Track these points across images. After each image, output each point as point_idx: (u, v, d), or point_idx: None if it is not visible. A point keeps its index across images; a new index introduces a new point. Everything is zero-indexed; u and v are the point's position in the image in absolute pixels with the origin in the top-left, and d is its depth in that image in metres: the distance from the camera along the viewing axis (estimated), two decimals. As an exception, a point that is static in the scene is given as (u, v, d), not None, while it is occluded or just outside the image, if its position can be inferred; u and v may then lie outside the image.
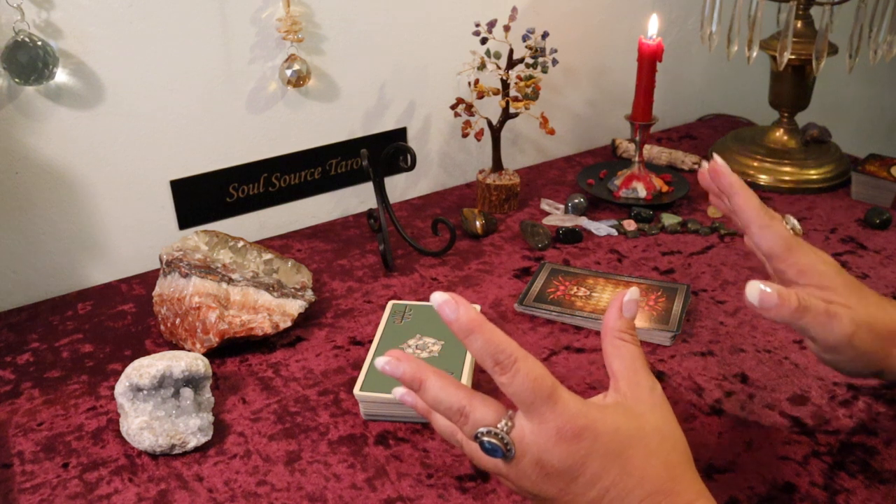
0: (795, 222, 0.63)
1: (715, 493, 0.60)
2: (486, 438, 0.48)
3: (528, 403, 0.47)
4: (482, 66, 0.97)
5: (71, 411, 0.71)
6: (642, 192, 1.05)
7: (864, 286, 0.61)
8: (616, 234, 0.99)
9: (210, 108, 0.93)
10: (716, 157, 0.61)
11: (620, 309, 0.53)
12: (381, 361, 0.50)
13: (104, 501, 0.62)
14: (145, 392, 0.66)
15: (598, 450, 0.48)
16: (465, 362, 0.70)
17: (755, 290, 0.55)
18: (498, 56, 0.98)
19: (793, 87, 1.10)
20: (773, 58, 1.07)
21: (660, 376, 0.74)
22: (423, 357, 0.72)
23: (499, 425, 0.48)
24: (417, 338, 0.75)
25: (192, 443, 0.66)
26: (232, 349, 0.78)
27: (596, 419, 0.48)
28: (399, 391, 0.53)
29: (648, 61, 0.98)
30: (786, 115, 1.14)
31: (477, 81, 0.99)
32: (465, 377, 0.69)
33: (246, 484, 0.63)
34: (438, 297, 0.47)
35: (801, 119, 1.15)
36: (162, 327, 0.80)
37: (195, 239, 0.83)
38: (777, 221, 0.60)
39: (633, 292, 0.53)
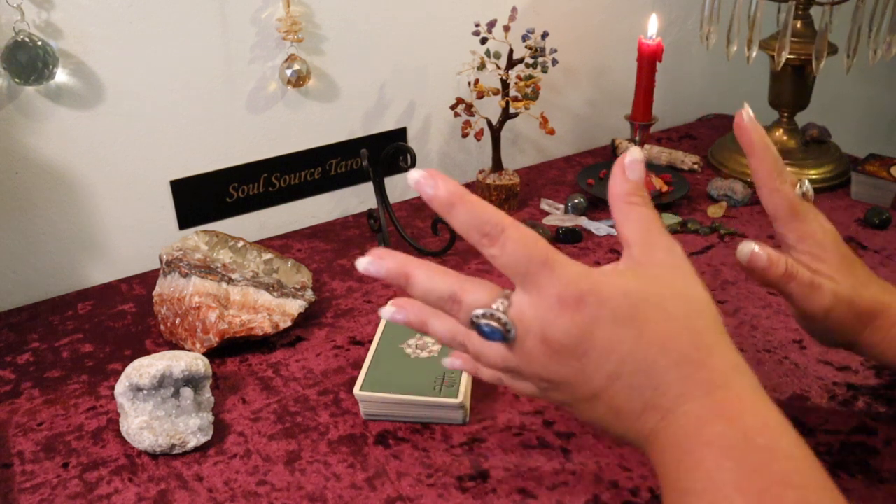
0: (809, 187, 0.62)
1: (715, 492, 0.60)
2: (482, 321, 0.44)
3: (522, 273, 0.44)
4: (482, 66, 0.98)
5: (71, 411, 0.71)
6: (642, 192, 1.04)
7: (858, 263, 0.61)
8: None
9: (210, 108, 0.93)
10: (746, 109, 0.60)
11: (624, 172, 0.49)
12: (363, 262, 0.46)
13: (104, 501, 0.62)
14: (145, 392, 0.66)
15: (605, 316, 0.43)
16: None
17: (747, 249, 0.57)
18: (498, 56, 0.98)
19: (792, 87, 1.10)
20: (773, 58, 1.07)
21: (660, 376, 0.73)
22: (423, 357, 0.72)
23: (494, 305, 0.44)
24: (417, 338, 0.75)
25: (192, 443, 0.66)
26: (232, 349, 0.78)
27: (600, 282, 0.44)
28: (387, 311, 0.49)
29: (648, 61, 0.98)
30: (785, 115, 1.14)
31: (477, 81, 0.99)
32: (465, 378, 0.69)
33: (246, 484, 0.63)
34: (414, 174, 0.44)
35: (801, 119, 1.15)
36: (162, 327, 0.80)
37: (195, 239, 0.83)
38: (787, 185, 0.59)
39: (633, 152, 0.48)
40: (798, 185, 0.61)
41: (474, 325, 0.45)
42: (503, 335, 0.44)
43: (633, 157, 0.48)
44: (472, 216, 0.44)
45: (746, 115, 0.60)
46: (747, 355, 0.76)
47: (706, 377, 0.43)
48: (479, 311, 0.44)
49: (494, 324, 0.44)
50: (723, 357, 0.44)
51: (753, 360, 0.75)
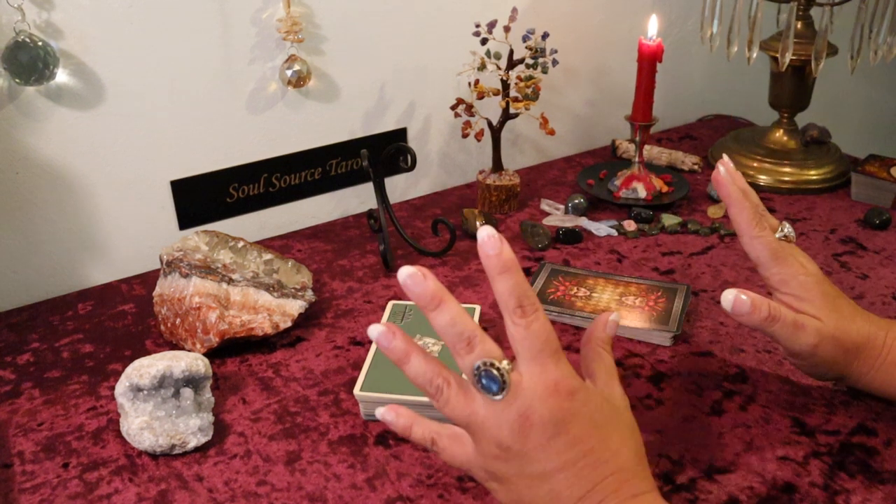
0: (790, 230, 0.66)
1: (715, 492, 0.60)
2: (489, 369, 0.49)
3: (536, 351, 0.49)
4: (482, 67, 0.98)
5: (71, 411, 0.71)
6: (642, 193, 1.05)
7: (842, 298, 0.65)
8: (616, 234, 0.99)
9: (210, 108, 0.93)
10: (721, 163, 0.65)
11: (605, 323, 0.58)
12: (404, 272, 0.49)
13: (104, 501, 0.62)
14: (145, 392, 0.66)
15: (586, 414, 0.50)
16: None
17: (730, 296, 0.63)
18: (498, 56, 0.98)
19: (793, 87, 1.10)
20: (773, 58, 1.07)
21: (660, 376, 0.74)
22: (424, 357, 0.72)
23: (503, 362, 0.49)
24: (417, 338, 0.75)
25: (193, 443, 0.66)
26: (232, 349, 0.78)
27: (588, 387, 0.52)
28: (376, 329, 0.51)
29: (648, 62, 0.98)
30: (786, 115, 1.14)
31: (477, 82, 0.99)
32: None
33: (246, 484, 0.63)
34: (487, 230, 0.48)
35: (801, 119, 1.15)
36: (162, 327, 0.80)
37: (195, 239, 0.83)
38: (766, 232, 0.64)
39: (616, 315, 0.59)
40: (779, 229, 0.66)
41: (477, 371, 0.49)
42: (499, 388, 0.49)
43: (615, 319, 0.58)
44: (519, 287, 0.49)
45: (724, 169, 0.65)
46: (747, 355, 0.76)
47: (637, 483, 0.50)
48: (489, 360, 0.49)
49: (497, 374, 0.49)
50: (650, 478, 0.52)
51: (754, 360, 0.75)
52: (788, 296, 0.64)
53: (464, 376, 0.51)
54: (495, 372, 0.48)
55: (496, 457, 0.50)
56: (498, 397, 0.49)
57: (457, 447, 0.53)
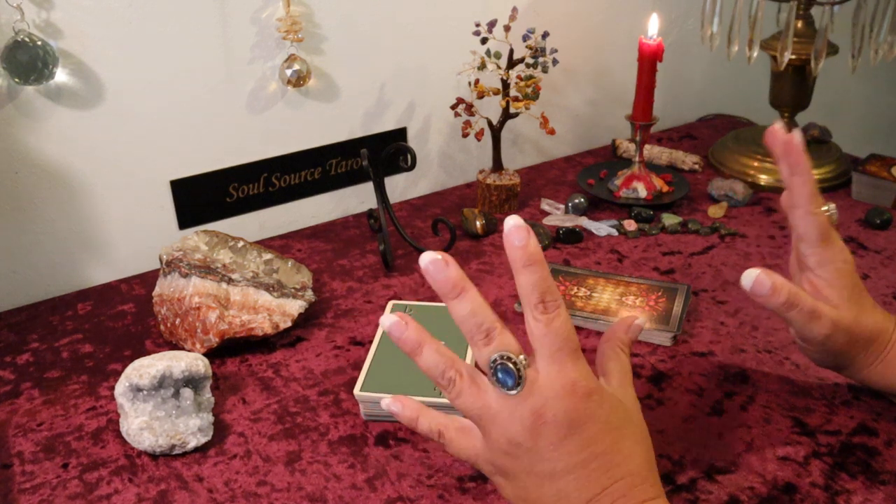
0: (834, 210, 0.64)
1: (715, 493, 0.60)
2: (506, 363, 0.48)
3: (555, 348, 0.48)
4: (482, 66, 0.97)
5: (71, 411, 0.71)
6: (643, 192, 1.04)
7: (866, 292, 0.65)
8: (616, 234, 0.99)
9: (210, 108, 0.93)
10: (794, 131, 0.61)
11: (629, 325, 0.58)
12: (426, 258, 0.48)
13: (104, 502, 0.62)
14: (145, 392, 0.66)
15: (602, 416, 0.49)
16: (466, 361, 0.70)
17: (752, 275, 0.61)
18: (498, 56, 0.97)
19: (793, 86, 1.10)
20: (774, 58, 1.07)
21: (660, 376, 0.74)
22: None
23: (520, 356, 0.48)
24: (418, 338, 0.75)
25: (192, 443, 0.66)
26: (232, 349, 0.78)
27: (604, 389, 0.51)
28: (389, 319, 0.51)
29: (648, 61, 0.98)
30: (786, 115, 1.14)
31: (477, 81, 0.99)
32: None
33: (246, 484, 0.63)
34: (512, 220, 0.47)
35: (802, 119, 1.15)
36: (162, 327, 0.80)
37: (195, 239, 0.83)
38: (821, 212, 0.62)
39: (642, 320, 0.59)
40: (825, 208, 0.63)
41: (493, 363, 0.48)
42: (514, 383, 0.48)
43: (640, 323, 0.59)
44: (544, 282, 0.47)
45: (797, 136, 0.60)
46: (748, 356, 0.76)
47: (646, 489, 0.50)
48: (506, 354, 0.48)
49: (513, 369, 0.48)
50: (658, 483, 0.52)
51: (754, 361, 0.75)
52: (821, 279, 0.63)
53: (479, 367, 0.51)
54: (511, 366, 0.48)
55: (505, 452, 0.50)
56: (513, 392, 0.48)
57: (464, 440, 0.53)
